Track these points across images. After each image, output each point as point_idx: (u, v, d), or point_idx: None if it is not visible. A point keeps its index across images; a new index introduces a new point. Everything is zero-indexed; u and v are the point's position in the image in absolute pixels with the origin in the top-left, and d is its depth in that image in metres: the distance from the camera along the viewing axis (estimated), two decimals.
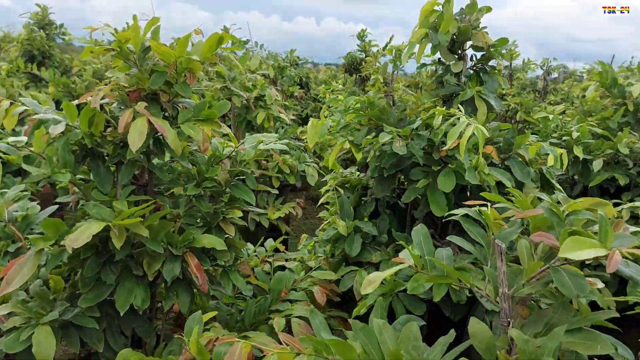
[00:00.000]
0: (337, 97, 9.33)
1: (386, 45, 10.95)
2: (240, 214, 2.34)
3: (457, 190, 2.46)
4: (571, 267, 1.27)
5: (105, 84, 2.00)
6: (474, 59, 2.69)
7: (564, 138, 3.99)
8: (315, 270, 2.78)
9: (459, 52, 2.58)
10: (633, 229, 1.42)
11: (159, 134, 2.07)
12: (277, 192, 4.37)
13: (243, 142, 2.28)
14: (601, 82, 4.41)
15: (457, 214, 1.68)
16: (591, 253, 1.12)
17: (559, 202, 1.57)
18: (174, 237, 2.03)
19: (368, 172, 2.67)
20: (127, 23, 6.39)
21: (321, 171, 5.07)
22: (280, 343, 1.51)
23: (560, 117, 4.98)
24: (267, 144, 2.26)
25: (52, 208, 2.35)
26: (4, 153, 2.03)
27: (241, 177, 2.33)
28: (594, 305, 1.53)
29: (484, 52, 2.68)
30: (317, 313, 1.59)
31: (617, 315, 1.39)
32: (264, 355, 1.38)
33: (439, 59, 2.69)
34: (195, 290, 2.15)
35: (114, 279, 1.93)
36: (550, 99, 8.90)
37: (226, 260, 2.18)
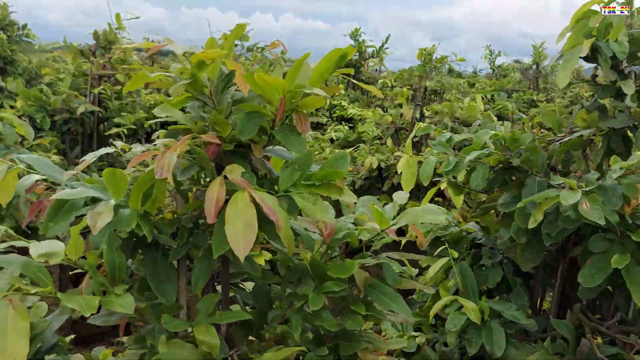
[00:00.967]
0: (341, 102, 8.60)
1: (382, 45, 10.36)
2: None
3: None
4: None
5: (173, 132, 1.24)
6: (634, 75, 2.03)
7: None
8: None
9: (620, 67, 1.94)
10: None
11: None
12: None
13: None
14: None
15: None
16: None
17: None
18: None
19: (502, 233, 1.99)
20: (108, 23, 5.47)
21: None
22: None
23: None
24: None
25: None
26: None
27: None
28: None
29: None
30: None
31: None
32: None
33: (593, 75, 2.04)
34: None
35: None
36: None
37: None
